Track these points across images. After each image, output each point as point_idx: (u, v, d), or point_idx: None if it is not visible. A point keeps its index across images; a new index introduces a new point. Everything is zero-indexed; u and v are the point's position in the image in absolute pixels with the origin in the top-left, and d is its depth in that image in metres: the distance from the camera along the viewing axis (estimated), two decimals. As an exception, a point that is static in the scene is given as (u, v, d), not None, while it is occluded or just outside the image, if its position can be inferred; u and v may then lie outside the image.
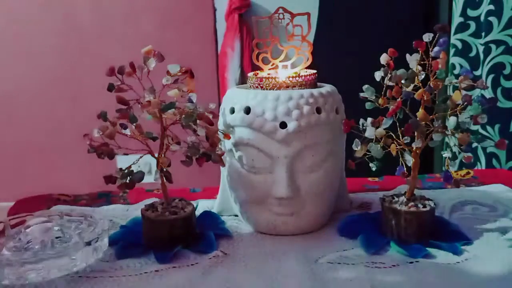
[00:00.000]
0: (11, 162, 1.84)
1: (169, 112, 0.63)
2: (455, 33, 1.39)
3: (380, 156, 0.64)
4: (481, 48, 1.33)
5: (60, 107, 1.82)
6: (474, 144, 0.61)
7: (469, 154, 0.61)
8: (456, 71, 1.40)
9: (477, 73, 1.35)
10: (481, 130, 1.32)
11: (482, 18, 1.32)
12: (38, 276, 0.56)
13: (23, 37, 1.77)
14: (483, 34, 1.32)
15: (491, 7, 1.28)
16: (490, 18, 1.28)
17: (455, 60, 1.40)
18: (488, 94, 1.29)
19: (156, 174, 0.64)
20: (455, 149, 0.61)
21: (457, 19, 1.38)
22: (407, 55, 0.63)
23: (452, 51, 1.40)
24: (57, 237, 0.64)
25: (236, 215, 0.76)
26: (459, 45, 1.39)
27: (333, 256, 0.63)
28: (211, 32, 1.79)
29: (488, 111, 0.60)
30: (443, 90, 0.65)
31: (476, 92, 1.24)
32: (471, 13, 1.35)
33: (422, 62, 0.63)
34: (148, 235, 0.65)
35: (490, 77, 1.30)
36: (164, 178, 0.65)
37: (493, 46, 1.29)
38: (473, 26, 1.36)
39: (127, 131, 0.63)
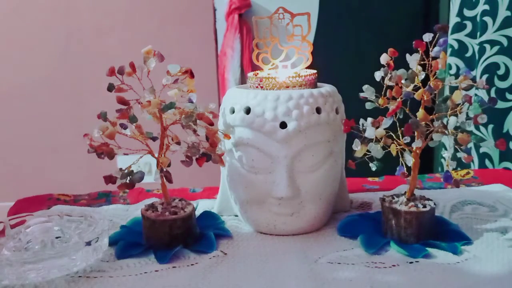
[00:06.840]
0: (10, 162, 1.84)
1: (169, 112, 0.63)
2: (452, 33, 1.38)
3: (380, 156, 0.64)
4: (476, 48, 1.33)
5: (60, 106, 1.82)
6: (469, 144, 0.61)
7: (469, 154, 0.61)
8: (452, 71, 1.39)
9: (473, 73, 1.34)
10: (474, 131, 1.32)
11: (478, 18, 1.32)
12: (38, 276, 0.56)
13: (23, 36, 1.77)
14: (478, 34, 1.31)
15: (486, 7, 1.27)
16: (485, 18, 1.28)
17: (451, 60, 1.40)
18: (482, 94, 1.28)
19: (156, 174, 0.64)
20: (451, 150, 0.61)
21: (453, 19, 1.38)
22: (407, 55, 0.63)
23: (448, 51, 1.40)
24: (57, 237, 0.64)
25: (236, 215, 0.76)
26: (456, 45, 1.38)
27: (333, 256, 0.63)
28: (211, 32, 1.79)
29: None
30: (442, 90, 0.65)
31: (472, 92, 1.24)
32: (467, 13, 1.35)
33: (422, 62, 0.63)
34: (148, 235, 0.65)
35: (484, 77, 1.29)
36: (164, 178, 0.65)
37: (487, 46, 1.28)
38: (469, 26, 1.35)
39: (127, 131, 0.63)
